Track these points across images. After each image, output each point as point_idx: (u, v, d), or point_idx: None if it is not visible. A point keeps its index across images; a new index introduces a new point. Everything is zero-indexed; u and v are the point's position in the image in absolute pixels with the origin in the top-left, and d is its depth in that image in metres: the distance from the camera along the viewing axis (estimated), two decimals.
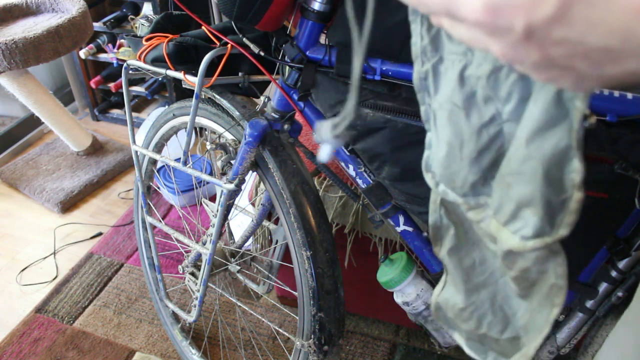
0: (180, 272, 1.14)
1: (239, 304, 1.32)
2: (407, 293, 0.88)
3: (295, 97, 0.81)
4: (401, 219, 0.84)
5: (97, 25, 2.08)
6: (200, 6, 2.12)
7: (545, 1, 0.24)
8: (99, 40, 2.18)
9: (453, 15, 0.27)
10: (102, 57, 2.21)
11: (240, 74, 0.91)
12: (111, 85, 2.21)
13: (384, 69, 0.72)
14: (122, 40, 2.17)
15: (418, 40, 0.47)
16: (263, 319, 1.27)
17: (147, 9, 2.12)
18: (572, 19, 0.24)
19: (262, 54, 0.81)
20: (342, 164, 0.84)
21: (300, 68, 0.76)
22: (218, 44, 0.88)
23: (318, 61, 0.76)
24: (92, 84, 2.25)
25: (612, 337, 0.70)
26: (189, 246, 1.05)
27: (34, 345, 1.40)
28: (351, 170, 0.83)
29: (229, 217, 1.02)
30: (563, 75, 0.28)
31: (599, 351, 0.70)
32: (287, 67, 0.79)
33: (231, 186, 0.89)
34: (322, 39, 0.76)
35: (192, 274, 1.12)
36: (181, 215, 1.74)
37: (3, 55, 1.59)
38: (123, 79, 0.99)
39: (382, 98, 0.73)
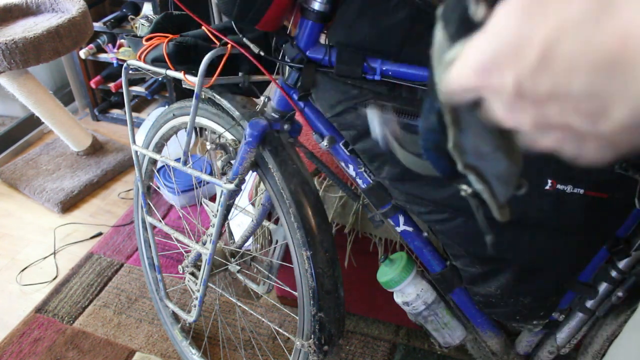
0: (180, 272, 1.14)
1: (239, 304, 1.31)
2: (407, 293, 0.88)
3: (295, 97, 0.81)
4: (401, 219, 0.84)
5: (97, 25, 2.08)
6: (200, 6, 2.12)
7: (527, 50, 0.25)
8: (99, 40, 2.18)
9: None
10: (102, 57, 2.21)
11: (240, 74, 0.91)
12: (111, 85, 2.21)
13: (384, 69, 0.72)
14: (122, 40, 2.17)
15: None
16: (263, 319, 1.27)
17: (147, 9, 2.11)
18: (554, 62, 0.24)
19: (262, 54, 0.81)
20: (342, 164, 0.84)
21: (300, 68, 0.76)
22: (218, 44, 0.88)
23: (318, 61, 0.76)
24: (92, 84, 2.25)
25: (619, 341, 0.69)
26: (189, 246, 1.05)
27: (34, 345, 1.40)
28: (351, 170, 0.83)
29: (229, 217, 1.02)
30: (564, 138, 0.28)
31: (604, 357, 0.70)
32: (287, 67, 0.79)
33: (231, 186, 0.89)
34: (322, 39, 0.76)
35: (192, 274, 1.12)
36: (181, 215, 1.74)
37: (3, 55, 1.59)
38: (123, 79, 0.99)
39: (382, 98, 0.73)
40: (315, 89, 0.78)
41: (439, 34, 0.31)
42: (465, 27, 0.29)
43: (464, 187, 0.35)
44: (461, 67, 0.28)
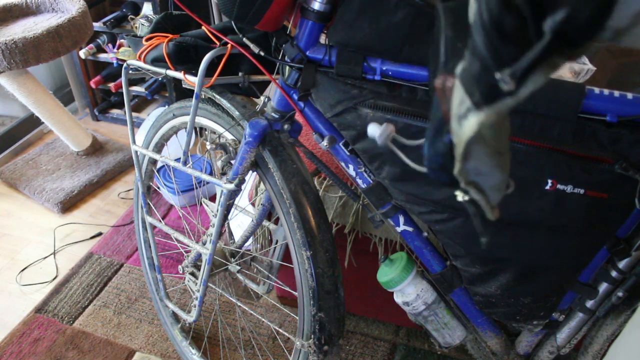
0: (180, 272, 1.14)
1: (239, 304, 1.32)
2: (407, 293, 0.88)
3: (295, 97, 0.81)
4: (401, 219, 0.84)
5: (97, 25, 2.08)
6: (200, 6, 2.12)
7: None
8: (98, 40, 2.18)
9: None
10: (102, 57, 2.21)
11: (240, 74, 0.91)
12: (111, 85, 2.21)
13: (384, 69, 0.72)
14: (122, 40, 2.17)
15: None
16: (263, 319, 1.27)
17: (147, 9, 2.11)
18: None
19: (262, 54, 0.81)
20: (342, 164, 0.84)
21: (300, 68, 0.76)
22: (218, 44, 0.88)
23: (318, 61, 0.76)
24: (92, 83, 2.25)
25: (619, 341, 0.70)
26: (189, 246, 1.05)
27: (34, 345, 1.40)
28: (351, 170, 0.83)
29: (229, 217, 1.02)
30: None
31: (605, 356, 0.70)
32: (287, 67, 0.79)
33: (231, 186, 0.89)
34: (322, 39, 0.76)
35: (192, 274, 1.12)
36: (181, 215, 1.74)
37: (3, 55, 1.59)
38: (123, 79, 0.99)
39: (382, 98, 0.73)
40: (315, 89, 0.78)
41: (459, 95, 0.32)
42: (491, 96, 0.31)
43: (461, 194, 0.39)
44: None
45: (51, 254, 1.72)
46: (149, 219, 1.18)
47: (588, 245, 0.77)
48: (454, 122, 0.34)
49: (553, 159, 0.68)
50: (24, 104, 1.87)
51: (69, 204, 1.91)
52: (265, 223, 1.15)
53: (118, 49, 2.17)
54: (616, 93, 0.67)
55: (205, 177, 0.93)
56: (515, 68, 0.29)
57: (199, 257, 1.11)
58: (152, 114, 2.20)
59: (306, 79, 0.77)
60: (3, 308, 1.53)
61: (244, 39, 0.82)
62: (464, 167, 0.35)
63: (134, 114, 2.34)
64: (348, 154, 0.82)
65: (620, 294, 0.80)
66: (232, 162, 0.92)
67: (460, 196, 0.39)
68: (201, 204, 1.64)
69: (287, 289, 1.14)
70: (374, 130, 0.69)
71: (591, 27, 0.26)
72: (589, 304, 0.83)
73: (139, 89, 2.24)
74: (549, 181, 0.69)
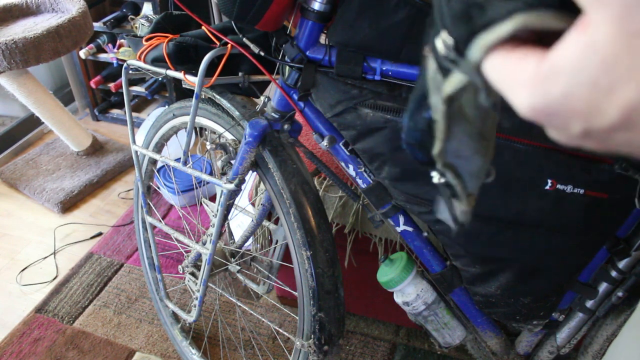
0: (180, 272, 1.14)
1: (239, 304, 1.32)
2: (407, 293, 0.88)
3: (295, 97, 0.81)
4: (401, 219, 0.84)
5: (97, 25, 2.08)
6: (200, 6, 2.12)
7: (605, 112, 0.22)
8: (99, 40, 2.18)
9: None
10: (102, 57, 2.21)
11: (240, 74, 0.91)
12: (111, 85, 2.21)
13: (384, 69, 0.72)
14: (122, 40, 2.17)
15: None
16: (263, 319, 1.27)
17: (147, 9, 2.11)
18: (636, 126, 0.22)
19: (262, 54, 0.81)
20: (342, 164, 0.84)
21: (300, 68, 0.76)
22: (218, 44, 0.88)
23: (318, 61, 0.76)
24: (92, 84, 2.25)
25: (618, 341, 0.70)
26: (189, 246, 1.05)
27: (34, 345, 1.40)
28: (351, 170, 0.83)
29: (229, 217, 1.02)
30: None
31: (604, 356, 0.70)
32: (287, 67, 0.79)
33: (231, 186, 0.89)
34: (322, 39, 0.76)
35: (192, 274, 1.12)
36: (181, 215, 1.74)
37: (3, 55, 1.59)
38: (123, 79, 0.99)
39: (382, 98, 0.73)
40: (315, 89, 0.78)
41: (433, 66, 0.30)
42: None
43: (437, 175, 0.36)
44: (524, 97, 0.25)
45: (51, 254, 1.72)
46: (149, 219, 1.18)
47: (588, 245, 0.77)
48: (434, 92, 0.31)
49: (553, 159, 0.68)
50: (24, 104, 1.87)
51: (69, 204, 1.91)
52: (265, 223, 1.15)
53: (118, 49, 2.17)
54: None
55: (205, 177, 0.93)
56: None
57: (199, 257, 1.11)
58: (152, 114, 2.20)
59: (306, 79, 0.77)
60: (3, 308, 1.53)
61: (244, 39, 0.82)
62: (444, 148, 0.33)
63: (134, 114, 2.34)
64: (348, 154, 0.82)
65: (620, 294, 0.80)
66: (232, 162, 0.92)
67: (436, 178, 0.37)
68: (201, 204, 1.64)
69: (287, 289, 1.14)
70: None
71: None
72: (589, 304, 0.84)
73: (139, 89, 2.24)
74: (549, 181, 0.69)
